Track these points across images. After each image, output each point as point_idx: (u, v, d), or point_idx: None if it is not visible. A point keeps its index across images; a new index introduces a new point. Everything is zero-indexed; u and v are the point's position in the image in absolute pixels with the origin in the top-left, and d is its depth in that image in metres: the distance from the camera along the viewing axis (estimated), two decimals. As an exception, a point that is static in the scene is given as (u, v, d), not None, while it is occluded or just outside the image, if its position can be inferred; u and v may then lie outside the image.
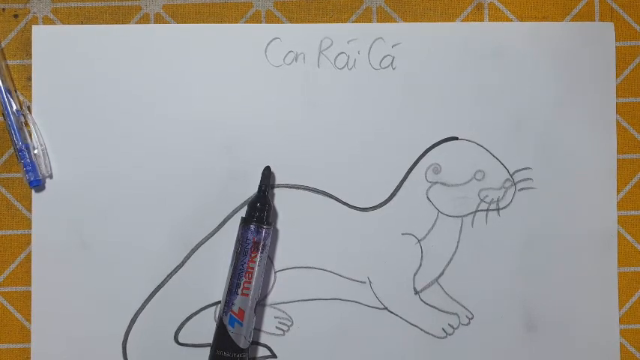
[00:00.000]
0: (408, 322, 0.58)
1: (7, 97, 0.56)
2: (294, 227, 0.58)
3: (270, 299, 0.57)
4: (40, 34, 0.58)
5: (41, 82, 0.57)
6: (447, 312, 0.58)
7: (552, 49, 0.58)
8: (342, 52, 0.58)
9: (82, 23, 0.58)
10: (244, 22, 0.58)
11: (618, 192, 0.59)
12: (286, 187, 0.58)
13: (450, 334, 0.58)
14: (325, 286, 0.57)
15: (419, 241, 0.58)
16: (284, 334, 0.57)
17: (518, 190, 0.58)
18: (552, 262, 0.58)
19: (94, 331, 0.57)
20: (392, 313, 0.58)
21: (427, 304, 0.58)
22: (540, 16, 0.59)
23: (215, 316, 0.57)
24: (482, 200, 0.58)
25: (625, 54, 0.59)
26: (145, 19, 0.58)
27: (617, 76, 0.59)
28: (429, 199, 0.58)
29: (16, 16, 0.58)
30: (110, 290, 0.57)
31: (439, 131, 0.58)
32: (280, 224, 0.57)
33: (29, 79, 0.58)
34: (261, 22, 0.58)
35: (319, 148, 0.58)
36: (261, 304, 0.57)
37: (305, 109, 0.58)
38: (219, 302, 0.57)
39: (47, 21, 0.58)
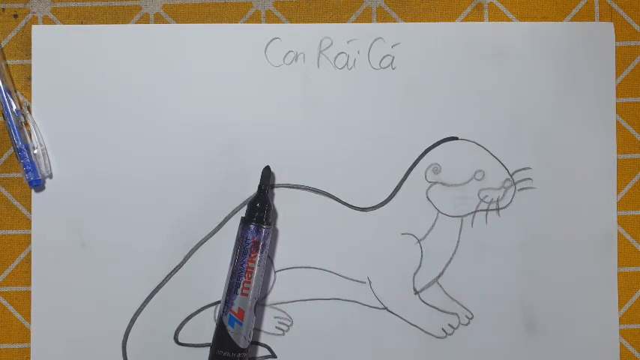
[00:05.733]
0: (407, 322, 0.58)
1: (6, 97, 0.56)
2: (294, 227, 0.58)
3: (269, 299, 0.57)
4: (39, 34, 0.58)
5: (41, 82, 0.57)
6: (447, 312, 0.58)
7: (552, 49, 0.58)
8: (342, 52, 0.58)
9: (82, 23, 0.58)
10: (244, 22, 0.59)
11: (618, 192, 0.59)
12: (286, 187, 0.58)
13: (450, 334, 0.58)
14: (325, 286, 0.57)
15: (419, 241, 0.58)
16: (284, 334, 0.57)
17: (518, 190, 0.58)
18: (552, 262, 0.58)
19: (93, 331, 0.57)
20: (392, 313, 0.58)
21: (427, 304, 0.58)
22: (540, 16, 0.59)
23: (215, 316, 0.57)
24: (482, 200, 0.58)
25: (625, 54, 0.59)
26: (144, 19, 0.58)
27: (617, 76, 0.59)
28: (428, 199, 0.58)
29: (15, 16, 0.58)
30: (110, 290, 0.57)
31: (439, 131, 0.58)
32: (280, 224, 0.57)
33: (29, 79, 0.58)
34: (260, 22, 0.59)
35: (319, 148, 0.58)
36: (260, 304, 0.57)
37: (305, 109, 0.58)
38: (218, 302, 0.57)
39: (47, 21, 0.58)
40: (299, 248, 0.57)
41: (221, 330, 0.54)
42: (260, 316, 0.57)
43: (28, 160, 0.56)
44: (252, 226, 0.54)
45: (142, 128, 0.57)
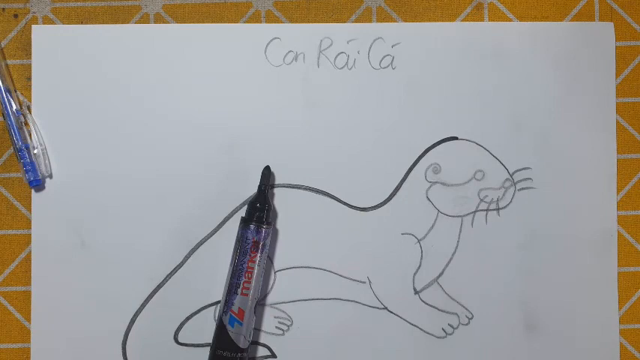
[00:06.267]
0: (407, 322, 0.58)
1: (6, 96, 0.56)
2: (294, 227, 0.58)
3: (269, 299, 0.57)
4: (39, 34, 0.58)
5: (41, 82, 0.57)
6: (447, 312, 0.58)
7: (552, 49, 0.59)
8: (342, 52, 0.58)
9: (81, 23, 0.58)
10: (244, 22, 0.59)
11: (618, 192, 0.59)
12: (286, 187, 0.58)
13: (450, 334, 0.58)
14: (325, 286, 0.57)
15: (419, 240, 0.58)
16: (284, 334, 0.57)
17: (518, 190, 0.58)
18: (552, 262, 0.58)
19: (93, 330, 0.57)
20: (392, 313, 0.58)
21: (427, 303, 0.58)
22: (540, 16, 0.59)
23: (215, 316, 0.57)
24: (482, 200, 0.58)
25: (625, 54, 0.59)
26: (144, 19, 0.58)
27: (617, 76, 0.59)
28: (428, 199, 0.58)
29: (15, 15, 0.58)
30: (110, 290, 0.57)
31: (439, 131, 0.58)
32: (280, 224, 0.57)
33: (29, 79, 0.58)
34: (260, 22, 0.59)
35: (319, 148, 0.58)
36: (260, 303, 0.57)
37: (305, 109, 0.58)
38: (218, 302, 0.57)
39: (47, 21, 0.58)
40: (299, 248, 0.57)
41: (221, 330, 0.54)
42: (260, 316, 0.57)
43: (28, 160, 0.56)
44: (252, 226, 0.54)
45: (142, 128, 0.57)
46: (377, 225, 0.58)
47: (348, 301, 0.58)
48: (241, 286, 0.54)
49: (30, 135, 0.57)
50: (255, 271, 0.54)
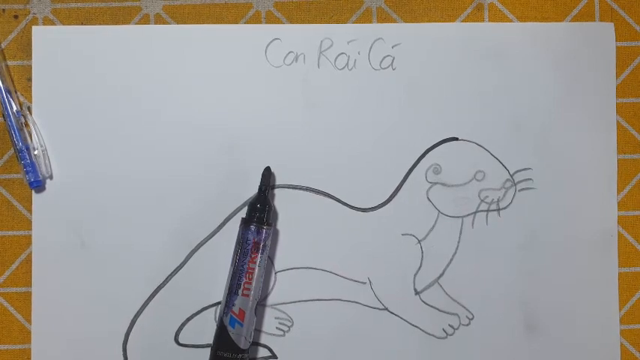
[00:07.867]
0: (408, 322, 0.58)
1: (7, 97, 0.56)
2: (295, 228, 0.58)
3: (270, 300, 0.58)
4: (40, 34, 0.58)
5: (41, 83, 0.57)
6: (448, 312, 0.58)
7: (552, 49, 0.59)
8: (342, 53, 0.58)
9: (82, 24, 0.58)
10: (244, 23, 0.58)
11: (618, 192, 0.59)
12: (286, 187, 0.58)
13: (451, 335, 0.58)
14: (325, 287, 0.57)
15: (419, 241, 0.58)
16: (284, 335, 0.57)
17: (519, 191, 0.58)
18: (552, 262, 0.58)
19: (94, 331, 0.57)
20: (392, 313, 0.58)
21: (427, 304, 0.58)
22: (540, 16, 0.59)
23: (215, 317, 0.57)
24: (482, 200, 0.58)
25: (625, 54, 0.59)
26: (144, 20, 0.58)
27: (617, 76, 0.59)
28: (429, 200, 0.58)
29: (16, 16, 0.58)
30: (110, 291, 0.57)
31: (439, 132, 0.58)
32: (280, 225, 0.57)
33: (29, 79, 0.58)
34: (261, 23, 0.58)
35: (319, 148, 0.58)
36: (261, 304, 0.57)
37: (305, 110, 0.58)
38: (219, 303, 0.57)
39: (47, 22, 0.58)
40: (299, 249, 0.57)
41: (222, 331, 0.54)
42: (260, 316, 0.57)
43: (29, 161, 0.56)
44: (252, 227, 0.54)
45: (142, 129, 0.57)
46: (377, 226, 0.58)
47: (349, 301, 0.58)
48: (242, 286, 0.54)
49: (30, 136, 0.57)
50: (256, 271, 0.54)
